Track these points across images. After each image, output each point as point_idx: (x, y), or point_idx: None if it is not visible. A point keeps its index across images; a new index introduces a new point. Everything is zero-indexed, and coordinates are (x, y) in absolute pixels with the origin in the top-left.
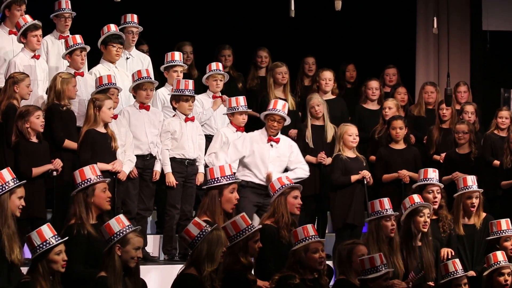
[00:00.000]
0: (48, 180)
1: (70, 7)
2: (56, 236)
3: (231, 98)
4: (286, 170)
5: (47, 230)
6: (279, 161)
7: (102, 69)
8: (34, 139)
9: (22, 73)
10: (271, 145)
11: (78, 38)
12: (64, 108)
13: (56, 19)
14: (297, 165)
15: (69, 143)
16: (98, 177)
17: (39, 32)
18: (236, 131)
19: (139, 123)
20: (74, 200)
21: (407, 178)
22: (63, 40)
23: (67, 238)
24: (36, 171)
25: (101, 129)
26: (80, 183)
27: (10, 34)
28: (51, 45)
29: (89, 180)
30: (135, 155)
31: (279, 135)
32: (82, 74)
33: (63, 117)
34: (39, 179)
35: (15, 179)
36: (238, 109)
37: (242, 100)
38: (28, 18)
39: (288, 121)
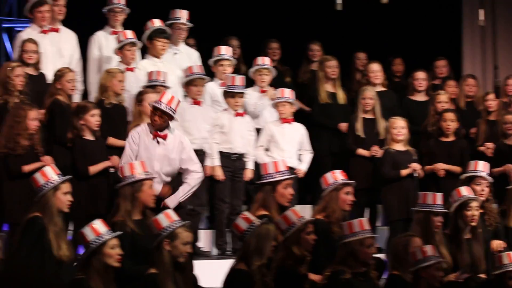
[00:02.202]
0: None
1: (122, 2)
2: (109, 231)
3: (277, 90)
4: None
5: (100, 225)
6: (167, 160)
7: (148, 64)
8: (89, 137)
9: (64, 68)
10: (157, 142)
11: (129, 33)
12: (109, 104)
13: (108, 14)
14: (187, 165)
15: (114, 141)
16: (147, 173)
17: (45, 8)
18: (282, 123)
19: (192, 119)
20: (120, 193)
21: (441, 172)
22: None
23: (121, 232)
24: (94, 169)
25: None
26: (129, 177)
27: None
28: (104, 41)
29: (137, 175)
30: None
31: (168, 131)
32: (132, 70)
33: (109, 114)
34: (100, 177)
35: (60, 176)
36: (281, 100)
37: (287, 92)
38: None
39: (175, 120)
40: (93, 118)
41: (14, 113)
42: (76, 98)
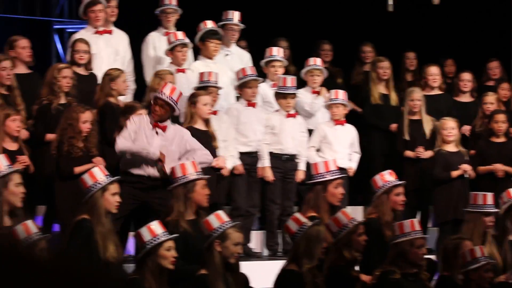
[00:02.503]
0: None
1: (174, 3)
2: (166, 233)
3: (331, 91)
4: None
5: (157, 226)
6: (165, 151)
7: (201, 65)
8: None
9: (117, 69)
10: (156, 132)
11: (180, 34)
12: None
13: (160, 15)
14: (194, 151)
15: None
16: (199, 173)
17: (98, 7)
18: (335, 125)
19: (247, 121)
20: (173, 194)
21: (501, 173)
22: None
23: (176, 235)
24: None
25: (200, 126)
26: (181, 178)
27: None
28: (158, 42)
29: (189, 175)
30: (243, 152)
31: (168, 123)
32: (184, 71)
33: None
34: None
35: (108, 176)
36: (334, 102)
37: (341, 93)
38: None
39: (177, 111)
40: None
41: (67, 115)
42: (129, 99)
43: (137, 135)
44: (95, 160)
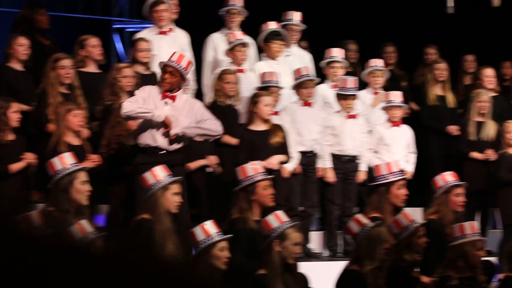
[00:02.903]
0: (210, 176)
1: (239, 4)
2: (220, 233)
3: (388, 93)
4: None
5: (211, 226)
6: (175, 122)
7: (264, 65)
8: (198, 137)
9: None
10: (166, 103)
11: (239, 34)
12: (222, 102)
13: (224, 15)
14: (207, 121)
15: (229, 139)
16: (259, 174)
17: (161, 7)
18: (392, 126)
19: (303, 120)
20: (237, 197)
21: None
22: None
23: (231, 236)
24: (187, 166)
25: (259, 126)
26: (242, 181)
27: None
28: (219, 42)
29: (250, 178)
30: (299, 152)
31: (179, 93)
32: (243, 71)
33: (224, 114)
34: (198, 176)
35: (169, 176)
36: (392, 104)
37: (398, 95)
38: None
39: (186, 83)
40: None
41: (116, 113)
42: None
43: (146, 103)
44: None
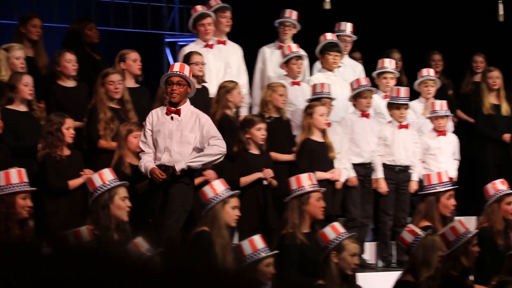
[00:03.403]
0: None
1: (293, 17)
2: (266, 248)
3: (434, 102)
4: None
5: (258, 241)
6: (179, 136)
7: (321, 77)
8: (254, 151)
9: (232, 81)
10: (171, 118)
11: (294, 46)
12: (269, 118)
13: (278, 28)
14: (211, 140)
15: (275, 155)
16: (314, 185)
17: (207, 20)
18: (438, 135)
19: (361, 131)
20: (288, 206)
21: None
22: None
23: (276, 251)
24: (244, 180)
25: (318, 138)
26: (295, 190)
27: (218, 43)
28: (269, 55)
29: (304, 187)
30: (356, 163)
31: (185, 106)
32: (298, 83)
33: (270, 128)
34: (259, 190)
35: (228, 190)
36: (438, 113)
37: (444, 104)
38: (199, 8)
39: (193, 92)
40: (259, 132)
41: None
42: (244, 112)
43: (155, 133)
44: (206, 173)
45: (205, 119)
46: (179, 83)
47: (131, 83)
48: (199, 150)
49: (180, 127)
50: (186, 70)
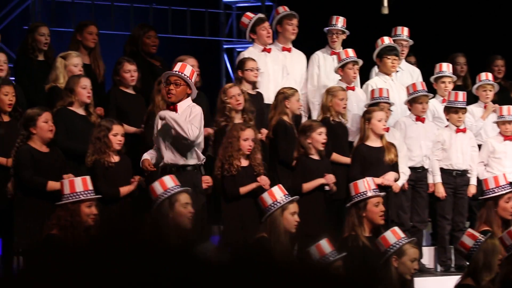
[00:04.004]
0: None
1: (341, 25)
2: (334, 252)
3: (502, 107)
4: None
5: (325, 245)
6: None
7: (379, 81)
8: (315, 156)
9: (291, 88)
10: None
11: (351, 52)
12: (333, 121)
13: (327, 34)
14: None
15: (337, 157)
16: (372, 191)
17: (266, 24)
18: (504, 140)
19: (414, 135)
20: (348, 212)
21: None
22: (334, 56)
23: (345, 254)
24: (307, 186)
25: (374, 143)
26: (354, 196)
27: (283, 50)
28: (322, 61)
29: (363, 194)
30: (409, 167)
31: (183, 103)
32: (353, 89)
33: (333, 131)
34: (316, 195)
35: (286, 196)
36: (505, 118)
37: (511, 109)
38: (250, 14)
39: (194, 92)
40: (320, 136)
41: (228, 134)
42: (303, 118)
43: (159, 132)
44: (260, 179)
45: (196, 108)
46: (176, 82)
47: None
48: (197, 145)
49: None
50: (187, 71)
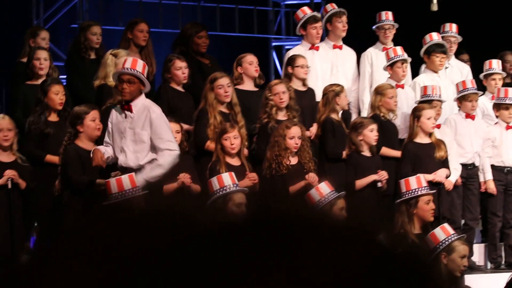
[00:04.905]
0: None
1: (391, 18)
2: (333, 192)
3: None
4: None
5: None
6: (132, 135)
7: (426, 78)
8: (366, 153)
9: (339, 85)
10: (125, 116)
11: (399, 49)
12: (383, 117)
13: (377, 31)
14: (157, 143)
15: (387, 151)
16: (423, 188)
17: (319, 24)
18: None
19: (465, 133)
20: (398, 209)
21: None
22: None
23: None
24: (360, 183)
25: (423, 139)
26: (405, 193)
27: (334, 48)
28: (375, 58)
29: (414, 191)
30: (460, 164)
31: (137, 101)
32: (402, 86)
33: (384, 128)
34: (368, 191)
35: (334, 192)
36: None
37: None
38: (307, 9)
39: (147, 88)
40: (372, 133)
41: (274, 133)
42: (353, 115)
43: (113, 132)
44: (308, 176)
45: (156, 114)
46: (129, 81)
47: (249, 86)
48: (154, 148)
49: (132, 125)
50: (138, 67)
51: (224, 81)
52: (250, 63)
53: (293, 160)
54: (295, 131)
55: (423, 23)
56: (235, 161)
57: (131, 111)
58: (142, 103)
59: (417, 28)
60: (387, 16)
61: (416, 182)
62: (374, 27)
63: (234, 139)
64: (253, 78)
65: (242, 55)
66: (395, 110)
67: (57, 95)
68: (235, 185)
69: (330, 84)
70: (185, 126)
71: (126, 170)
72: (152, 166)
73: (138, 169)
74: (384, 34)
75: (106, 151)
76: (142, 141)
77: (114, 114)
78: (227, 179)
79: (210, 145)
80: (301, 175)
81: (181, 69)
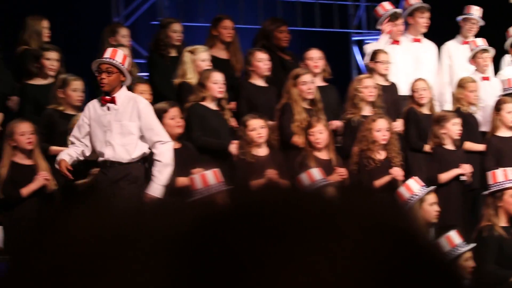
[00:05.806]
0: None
1: (479, 14)
2: (464, 243)
3: None
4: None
5: (455, 236)
6: (119, 127)
7: (511, 71)
8: (450, 146)
9: (421, 79)
10: (108, 108)
11: (479, 40)
12: (465, 111)
13: (462, 22)
14: (150, 135)
15: (471, 145)
16: (509, 181)
17: (400, 21)
18: None
19: None
20: (485, 201)
21: None
22: (467, 46)
23: (474, 244)
24: (443, 176)
25: (505, 133)
26: (491, 186)
27: (413, 41)
28: (454, 51)
29: (500, 184)
30: None
31: (120, 93)
32: (488, 78)
33: (467, 121)
34: (452, 185)
35: (423, 187)
36: None
37: None
38: (387, 5)
39: (128, 79)
40: (455, 127)
41: (361, 128)
42: (437, 108)
43: (93, 127)
44: (392, 170)
45: (143, 104)
46: (108, 70)
47: (318, 81)
48: (143, 138)
49: (118, 117)
50: (118, 57)
51: (307, 77)
52: (311, 58)
53: (382, 154)
54: (382, 123)
55: (506, 17)
56: (323, 155)
57: (114, 103)
58: (125, 95)
59: (498, 22)
60: (476, 11)
61: (503, 175)
62: (459, 18)
63: (319, 134)
64: (318, 74)
65: (310, 49)
66: (477, 104)
67: (142, 94)
68: (324, 180)
69: (417, 78)
70: (269, 122)
71: (115, 164)
72: (158, 169)
73: (130, 163)
74: (469, 27)
75: (70, 156)
76: (131, 133)
77: (91, 109)
78: (316, 174)
79: (297, 139)
80: (387, 169)
81: (262, 60)
